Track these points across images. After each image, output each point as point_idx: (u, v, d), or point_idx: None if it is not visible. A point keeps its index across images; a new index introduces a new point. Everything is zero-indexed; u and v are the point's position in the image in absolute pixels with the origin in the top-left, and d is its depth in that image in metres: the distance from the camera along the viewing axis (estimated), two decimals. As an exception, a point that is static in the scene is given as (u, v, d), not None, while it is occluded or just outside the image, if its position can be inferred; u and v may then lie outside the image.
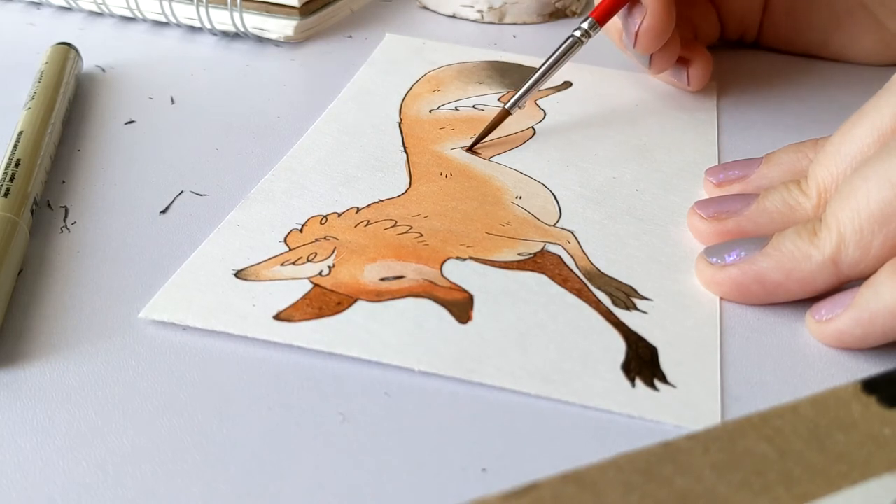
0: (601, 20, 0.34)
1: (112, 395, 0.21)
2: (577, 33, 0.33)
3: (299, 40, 0.41)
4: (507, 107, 0.33)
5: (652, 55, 0.35)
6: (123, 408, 0.21)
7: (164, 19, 0.41)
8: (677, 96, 0.37)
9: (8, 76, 0.36)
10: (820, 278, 0.24)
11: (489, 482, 0.20)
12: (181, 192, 0.30)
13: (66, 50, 0.36)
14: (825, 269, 0.24)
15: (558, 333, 0.24)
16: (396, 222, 0.28)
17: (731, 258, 0.25)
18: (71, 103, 0.34)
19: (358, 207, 0.29)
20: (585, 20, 0.33)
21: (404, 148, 0.33)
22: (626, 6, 0.34)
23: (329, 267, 0.26)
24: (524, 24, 0.45)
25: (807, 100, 0.38)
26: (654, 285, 0.26)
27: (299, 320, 0.24)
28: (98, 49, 0.39)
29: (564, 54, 0.33)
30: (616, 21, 0.35)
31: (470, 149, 0.33)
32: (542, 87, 0.35)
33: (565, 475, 0.17)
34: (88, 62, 0.38)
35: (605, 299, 0.25)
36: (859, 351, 0.24)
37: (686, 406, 0.22)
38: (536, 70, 0.33)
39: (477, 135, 0.33)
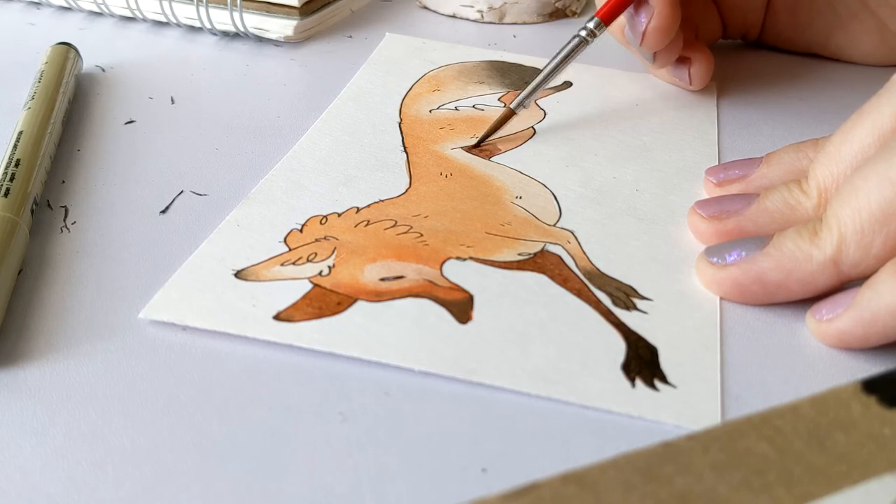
0: (607, 20, 0.33)
1: (112, 395, 0.21)
2: (583, 33, 0.33)
3: (299, 40, 0.41)
4: (511, 106, 0.33)
5: (656, 51, 0.35)
6: (123, 408, 0.21)
7: (164, 19, 0.41)
8: (677, 96, 0.37)
9: (8, 76, 0.36)
10: (821, 278, 0.24)
11: (489, 482, 0.20)
12: (181, 192, 0.30)
13: (66, 50, 0.36)
14: (826, 269, 0.24)
15: (558, 333, 0.24)
16: (396, 222, 0.28)
17: (732, 258, 0.25)
18: (71, 103, 0.34)
19: (358, 207, 0.29)
20: (591, 20, 0.33)
21: (404, 148, 0.32)
22: (631, 5, 0.34)
23: (329, 267, 0.26)
24: (524, 24, 0.45)
25: (807, 99, 0.38)
26: (654, 285, 0.26)
27: (299, 320, 0.24)
28: (98, 49, 0.39)
29: (570, 54, 0.33)
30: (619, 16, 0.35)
31: (472, 149, 0.33)
32: (547, 87, 0.35)
33: (565, 475, 0.17)
34: (88, 62, 0.38)
35: (605, 299, 0.25)
36: (859, 351, 0.24)
37: (686, 406, 0.22)
38: (541, 70, 0.33)
39: (480, 135, 0.33)
